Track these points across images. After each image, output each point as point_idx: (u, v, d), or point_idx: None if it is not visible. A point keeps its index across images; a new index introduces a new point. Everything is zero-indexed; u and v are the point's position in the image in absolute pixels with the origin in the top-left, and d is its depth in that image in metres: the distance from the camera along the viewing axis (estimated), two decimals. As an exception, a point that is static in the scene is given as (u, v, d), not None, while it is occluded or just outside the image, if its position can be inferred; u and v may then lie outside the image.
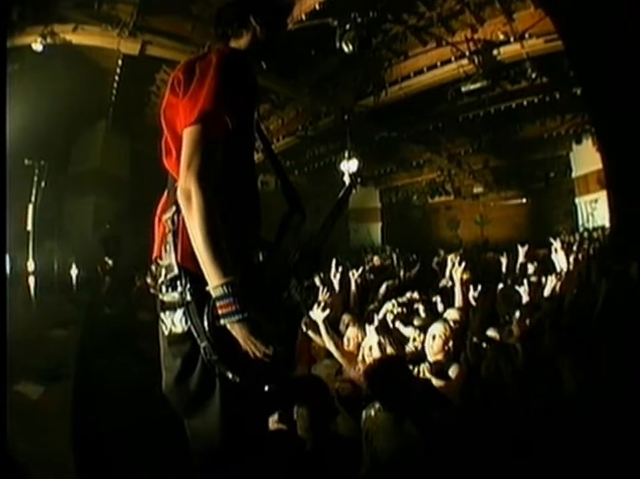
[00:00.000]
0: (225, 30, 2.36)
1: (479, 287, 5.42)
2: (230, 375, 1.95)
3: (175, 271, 2.00)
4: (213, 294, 1.86)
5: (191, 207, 1.87)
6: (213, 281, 1.85)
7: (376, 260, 10.47)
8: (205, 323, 1.90)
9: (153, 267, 2.18)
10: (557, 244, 6.81)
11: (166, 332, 2.06)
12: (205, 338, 1.91)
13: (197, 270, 1.92)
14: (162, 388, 2.19)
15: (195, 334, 1.94)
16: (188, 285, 1.96)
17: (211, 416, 2.06)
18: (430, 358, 4.51)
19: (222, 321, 1.86)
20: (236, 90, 2.04)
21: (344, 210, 2.99)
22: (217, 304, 1.86)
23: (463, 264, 6.04)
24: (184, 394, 2.09)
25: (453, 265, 6.11)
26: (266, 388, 2.14)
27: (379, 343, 4.66)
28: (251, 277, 2.00)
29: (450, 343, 4.45)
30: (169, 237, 2.04)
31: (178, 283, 1.99)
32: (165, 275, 2.05)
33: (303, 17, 10.12)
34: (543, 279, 5.79)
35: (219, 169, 1.96)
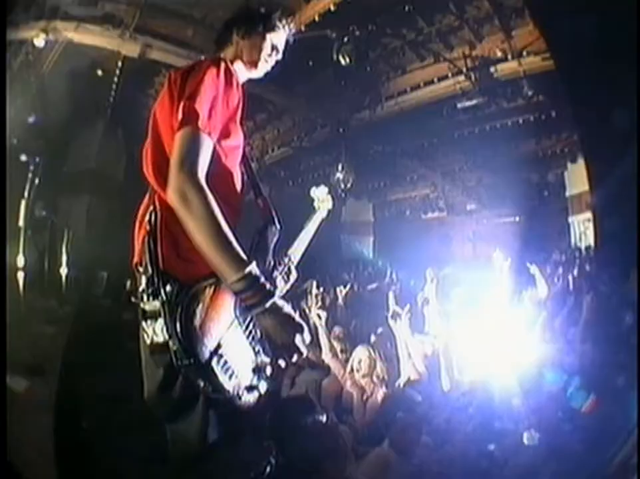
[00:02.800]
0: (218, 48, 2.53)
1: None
2: (202, 384, 1.91)
3: (150, 271, 1.96)
4: (234, 290, 1.84)
5: (189, 206, 1.83)
6: (230, 277, 1.82)
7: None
8: (178, 325, 1.85)
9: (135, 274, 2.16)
10: (534, 270, 6.90)
11: (148, 341, 2.00)
12: (177, 340, 1.85)
13: (173, 270, 1.93)
14: (144, 395, 2.17)
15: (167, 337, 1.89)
16: (161, 285, 1.93)
17: (194, 423, 2.05)
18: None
19: (253, 313, 1.86)
20: (230, 96, 2.11)
21: (313, 236, 3.00)
22: (242, 298, 1.85)
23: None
24: (167, 403, 2.08)
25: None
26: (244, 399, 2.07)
27: (369, 356, 4.71)
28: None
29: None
30: (146, 239, 2.01)
31: (156, 281, 1.94)
32: (146, 282, 2.00)
33: (302, 28, 10.18)
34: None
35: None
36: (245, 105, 2.31)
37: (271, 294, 1.84)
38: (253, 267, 1.84)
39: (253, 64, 2.52)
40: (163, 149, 2.14)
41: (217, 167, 2.10)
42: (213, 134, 2.02)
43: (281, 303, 1.90)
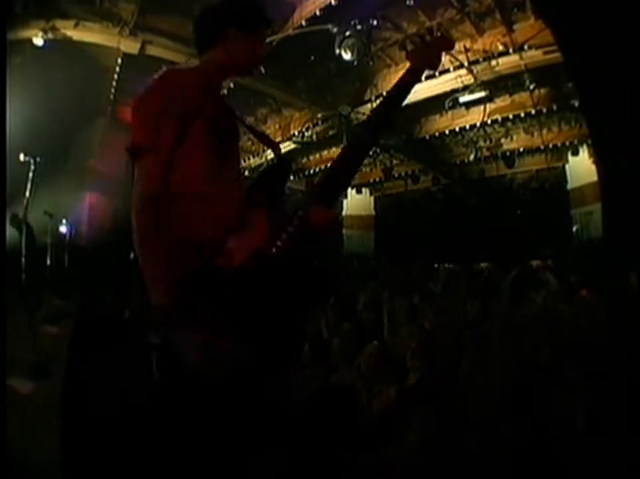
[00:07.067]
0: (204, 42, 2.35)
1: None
2: None
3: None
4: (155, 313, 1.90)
5: (135, 234, 1.94)
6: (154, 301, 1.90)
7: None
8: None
9: None
10: (537, 263, 6.88)
11: None
12: None
13: None
14: None
15: None
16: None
17: None
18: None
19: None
20: (170, 117, 2.02)
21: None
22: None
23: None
24: None
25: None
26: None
27: (378, 353, 4.69)
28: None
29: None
30: None
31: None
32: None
33: (303, 23, 10.15)
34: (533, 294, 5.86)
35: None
36: (216, 103, 2.27)
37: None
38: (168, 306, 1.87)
39: (245, 64, 2.39)
40: None
41: (195, 171, 2.09)
42: (165, 155, 2.00)
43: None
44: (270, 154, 16.91)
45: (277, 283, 2.04)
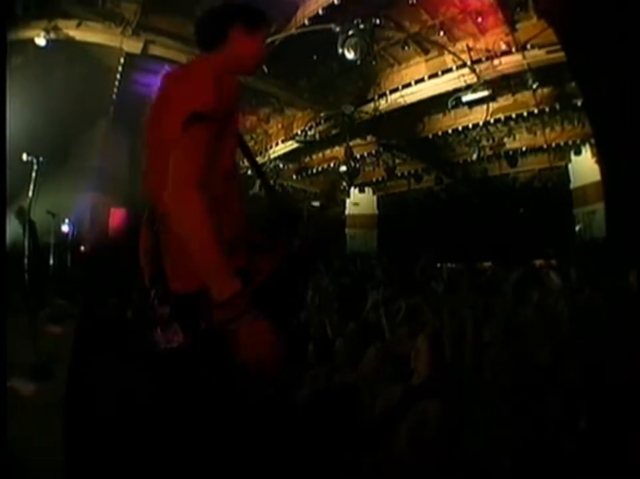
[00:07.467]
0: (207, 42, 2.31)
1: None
2: None
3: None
4: (219, 299, 1.71)
5: (186, 214, 1.77)
6: (218, 286, 1.73)
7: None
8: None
9: None
10: (540, 263, 6.85)
11: None
12: None
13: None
14: None
15: None
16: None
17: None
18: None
19: (232, 325, 1.71)
20: (222, 95, 1.95)
21: None
22: (224, 308, 1.72)
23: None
24: None
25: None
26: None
27: (377, 355, 4.67)
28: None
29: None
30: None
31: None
32: None
33: (306, 22, 10.14)
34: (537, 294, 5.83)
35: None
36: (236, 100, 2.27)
37: (249, 309, 1.73)
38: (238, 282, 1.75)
39: (247, 64, 2.34)
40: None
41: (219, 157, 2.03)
42: (212, 132, 1.90)
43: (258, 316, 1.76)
44: (274, 153, 17.01)
45: (289, 289, 2.15)
